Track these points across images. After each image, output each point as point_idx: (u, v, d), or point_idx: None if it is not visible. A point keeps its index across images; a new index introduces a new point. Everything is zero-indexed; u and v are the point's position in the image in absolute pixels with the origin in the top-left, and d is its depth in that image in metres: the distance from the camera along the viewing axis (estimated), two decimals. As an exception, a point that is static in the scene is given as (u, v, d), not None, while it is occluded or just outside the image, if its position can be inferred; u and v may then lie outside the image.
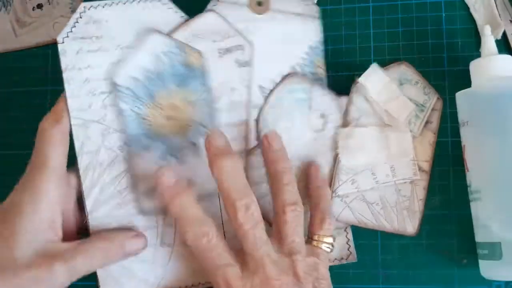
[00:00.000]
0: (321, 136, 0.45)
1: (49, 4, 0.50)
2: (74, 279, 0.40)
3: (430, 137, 0.45)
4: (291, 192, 0.40)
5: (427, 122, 0.45)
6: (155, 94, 0.44)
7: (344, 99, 0.45)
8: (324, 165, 0.45)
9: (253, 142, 0.45)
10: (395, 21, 0.47)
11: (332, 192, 0.45)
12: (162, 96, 0.44)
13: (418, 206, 0.44)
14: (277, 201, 0.40)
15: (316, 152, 0.45)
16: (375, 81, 0.45)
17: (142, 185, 0.44)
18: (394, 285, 0.44)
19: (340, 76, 0.47)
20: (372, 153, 0.44)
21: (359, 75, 0.45)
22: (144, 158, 0.44)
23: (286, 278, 0.38)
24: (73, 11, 0.47)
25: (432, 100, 0.45)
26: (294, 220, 0.39)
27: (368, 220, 0.44)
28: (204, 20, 0.44)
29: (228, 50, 0.44)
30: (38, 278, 0.39)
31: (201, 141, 0.43)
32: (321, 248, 0.40)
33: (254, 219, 0.38)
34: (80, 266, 0.40)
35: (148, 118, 0.44)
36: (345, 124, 0.45)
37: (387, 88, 0.45)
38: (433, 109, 0.45)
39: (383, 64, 0.46)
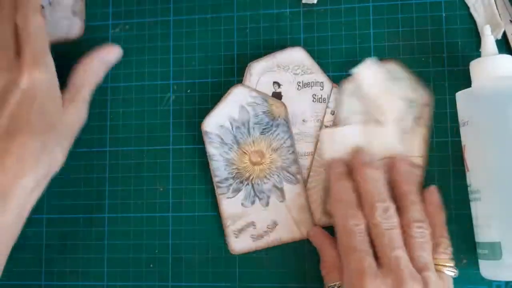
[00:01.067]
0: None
1: (50, 5, 0.50)
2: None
3: (422, 133, 0.45)
4: (417, 210, 0.41)
5: (418, 118, 0.45)
6: (241, 141, 0.46)
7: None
8: None
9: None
10: (395, 21, 0.47)
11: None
12: (248, 143, 0.46)
13: None
14: (403, 219, 0.40)
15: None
16: (368, 76, 0.45)
17: (231, 226, 0.46)
18: (394, 285, 0.44)
19: (340, 76, 0.47)
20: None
21: (349, 75, 0.45)
22: (231, 199, 0.46)
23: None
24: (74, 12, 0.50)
25: (422, 96, 0.45)
26: (421, 236, 0.40)
27: None
28: (291, 53, 0.47)
29: (307, 85, 0.46)
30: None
31: (286, 186, 0.46)
32: (444, 273, 0.40)
33: (392, 222, 0.40)
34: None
35: (236, 163, 0.47)
36: (335, 123, 0.46)
37: (379, 84, 0.45)
38: (423, 105, 0.45)
39: (383, 64, 0.46)
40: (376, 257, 0.39)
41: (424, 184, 0.45)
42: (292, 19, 0.48)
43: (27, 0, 0.44)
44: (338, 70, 0.47)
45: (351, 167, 0.43)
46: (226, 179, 0.47)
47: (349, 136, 0.45)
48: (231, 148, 0.47)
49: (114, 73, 0.50)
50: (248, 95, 0.47)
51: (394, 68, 0.46)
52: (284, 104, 0.46)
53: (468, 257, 0.44)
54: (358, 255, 0.39)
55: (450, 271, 0.40)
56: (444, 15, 0.46)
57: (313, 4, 0.48)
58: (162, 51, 0.50)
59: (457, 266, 0.43)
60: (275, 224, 0.46)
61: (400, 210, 0.41)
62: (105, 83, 0.50)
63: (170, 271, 0.47)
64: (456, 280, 0.43)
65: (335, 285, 0.41)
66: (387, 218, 0.40)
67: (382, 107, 0.45)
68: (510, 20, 0.45)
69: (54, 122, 0.43)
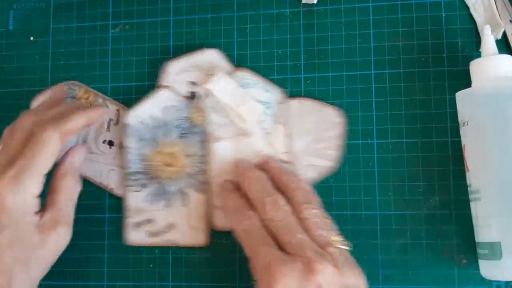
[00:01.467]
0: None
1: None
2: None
3: (282, 130, 0.46)
4: (302, 194, 0.42)
5: (276, 117, 0.46)
6: (159, 140, 0.47)
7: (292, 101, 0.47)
8: None
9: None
10: (395, 21, 0.47)
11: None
12: (164, 143, 0.47)
13: None
14: (293, 206, 0.41)
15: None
16: (221, 89, 0.46)
17: (131, 218, 0.47)
18: (394, 285, 0.44)
19: (340, 76, 0.47)
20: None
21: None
22: (137, 193, 0.47)
23: (327, 266, 0.36)
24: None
25: (275, 95, 0.47)
26: (314, 216, 0.40)
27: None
28: (207, 55, 0.48)
29: None
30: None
31: (191, 192, 0.47)
32: (341, 248, 0.40)
33: (285, 211, 0.40)
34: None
35: (149, 160, 0.47)
36: (205, 139, 0.47)
37: (235, 93, 0.46)
38: (278, 103, 0.46)
39: (383, 64, 0.46)
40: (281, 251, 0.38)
41: (425, 185, 0.45)
42: (292, 19, 0.48)
43: (65, 119, 0.43)
44: (338, 70, 0.47)
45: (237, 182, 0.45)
46: (137, 173, 0.47)
47: (222, 151, 0.46)
48: (147, 144, 0.47)
49: (114, 73, 0.50)
50: (173, 98, 0.47)
51: (243, 75, 0.47)
52: (204, 114, 0.47)
53: (468, 257, 0.44)
54: (262, 250, 0.38)
55: (345, 245, 0.40)
56: (444, 15, 0.46)
57: (313, 4, 0.48)
58: (163, 51, 0.50)
59: (457, 266, 0.44)
60: (172, 226, 0.47)
61: (288, 201, 0.41)
62: (105, 83, 0.50)
63: (170, 271, 0.47)
64: (456, 280, 0.43)
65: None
66: (278, 210, 0.40)
67: (241, 114, 0.46)
68: (510, 20, 0.45)
69: (25, 256, 0.41)
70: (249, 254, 0.40)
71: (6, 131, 0.44)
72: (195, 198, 0.47)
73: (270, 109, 0.47)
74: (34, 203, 0.41)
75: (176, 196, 0.47)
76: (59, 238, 0.43)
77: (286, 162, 0.46)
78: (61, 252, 0.44)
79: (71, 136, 0.44)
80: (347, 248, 0.40)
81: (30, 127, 0.42)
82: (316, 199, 0.42)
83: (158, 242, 0.47)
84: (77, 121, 0.44)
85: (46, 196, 0.44)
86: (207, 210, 0.46)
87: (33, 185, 0.41)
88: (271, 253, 0.38)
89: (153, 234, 0.47)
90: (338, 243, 0.40)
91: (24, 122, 0.43)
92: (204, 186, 0.46)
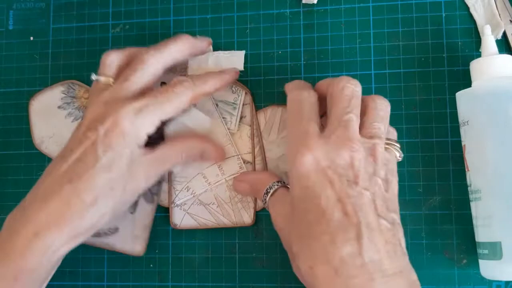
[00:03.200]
0: None
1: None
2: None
3: (247, 130, 0.47)
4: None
5: (241, 117, 0.47)
6: None
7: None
8: None
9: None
10: (395, 21, 0.47)
11: (171, 203, 0.47)
12: None
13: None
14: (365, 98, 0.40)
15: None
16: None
17: None
18: (394, 285, 0.44)
19: (340, 76, 0.47)
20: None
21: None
22: None
23: (363, 151, 0.37)
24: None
25: (241, 96, 0.47)
26: (381, 109, 0.39)
27: (208, 220, 0.47)
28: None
29: None
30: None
31: (141, 201, 0.47)
32: (392, 151, 0.39)
33: (358, 90, 0.39)
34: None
35: None
36: None
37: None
38: (244, 104, 0.47)
39: (383, 64, 0.46)
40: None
41: (425, 185, 0.45)
42: (292, 19, 0.48)
43: (201, 81, 0.44)
44: (338, 70, 0.47)
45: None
46: None
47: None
48: None
49: (114, 73, 0.50)
50: None
51: None
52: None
53: (468, 257, 0.44)
54: (305, 121, 0.38)
55: (397, 150, 0.40)
56: (444, 15, 0.46)
57: (313, 4, 0.48)
58: (162, 51, 0.50)
59: (457, 266, 0.44)
60: (116, 230, 0.46)
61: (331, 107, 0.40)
62: (105, 83, 0.50)
63: (170, 271, 0.47)
64: (456, 280, 0.43)
65: (273, 184, 0.42)
66: (355, 84, 0.39)
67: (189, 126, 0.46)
68: (510, 20, 0.45)
69: (118, 182, 0.40)
70: (289, 124, 0.40)
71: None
72: (144, 207, 0.47)
73: (236, 110, 0.47)
74: (143, 139, 0.41)
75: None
76: (146, 181, 0.42)
77: (248, 162, 0.46)
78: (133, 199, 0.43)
79: (201, 99, 0.44)
80: (398, 154, 0.40)
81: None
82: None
83: (98, 245, 0.46)
84: (212, 85, 0.44)
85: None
86: (151, 221, 0.47)
87: (149, 124, 0.41)
88: (311, 126, 0.38)
89: (96, 235, 0.45)
90: (392, 146, 0.39)
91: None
92: (154, 197, 0.47)
